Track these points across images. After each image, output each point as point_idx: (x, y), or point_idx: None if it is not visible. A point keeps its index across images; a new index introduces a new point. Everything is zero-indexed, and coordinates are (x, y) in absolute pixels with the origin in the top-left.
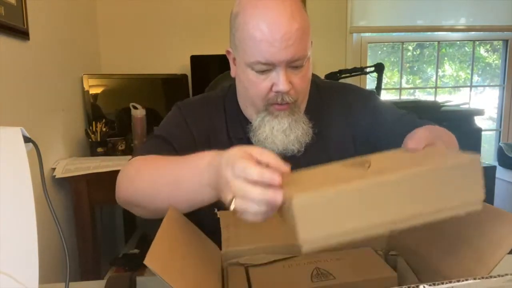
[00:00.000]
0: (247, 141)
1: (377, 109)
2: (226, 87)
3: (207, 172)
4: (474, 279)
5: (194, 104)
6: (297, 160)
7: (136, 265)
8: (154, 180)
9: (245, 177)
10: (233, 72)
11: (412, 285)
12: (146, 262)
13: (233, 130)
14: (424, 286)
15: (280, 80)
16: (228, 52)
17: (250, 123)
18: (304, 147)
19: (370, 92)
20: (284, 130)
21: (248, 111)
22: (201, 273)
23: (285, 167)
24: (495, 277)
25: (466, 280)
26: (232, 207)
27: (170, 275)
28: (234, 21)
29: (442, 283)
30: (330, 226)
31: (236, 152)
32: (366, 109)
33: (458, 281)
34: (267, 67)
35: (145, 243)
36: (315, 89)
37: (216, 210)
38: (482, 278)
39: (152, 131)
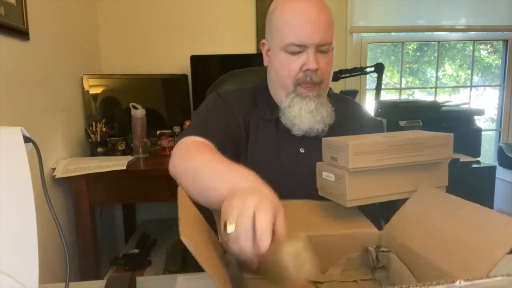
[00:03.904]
0: (275, 122)
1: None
2: (257, 86)
3: (235, 177)
4: (466, 280)
5: (233, 94)
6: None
7: (136, 265)
8: (192, 166)
9: (260, 216)
10: (266, 62)
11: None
12: (182, 238)
13: (263, 113)
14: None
15: (310, 59)
16: (263, 44)
17: (278, 107)
18: (327, 128)
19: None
20: (311, 111)
21: (278, 94)
22: (216, 255)
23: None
24: (492, 277)
25: (467, 280)
26: (229, 230)
27: (202, 255)
28: (271, 15)
29: (438, 283)
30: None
31: (272, 196)
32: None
33: (453, 282)
34: (299, 49)
35: (145, 243)
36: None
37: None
38: (481, 278)
39: (152, 130)
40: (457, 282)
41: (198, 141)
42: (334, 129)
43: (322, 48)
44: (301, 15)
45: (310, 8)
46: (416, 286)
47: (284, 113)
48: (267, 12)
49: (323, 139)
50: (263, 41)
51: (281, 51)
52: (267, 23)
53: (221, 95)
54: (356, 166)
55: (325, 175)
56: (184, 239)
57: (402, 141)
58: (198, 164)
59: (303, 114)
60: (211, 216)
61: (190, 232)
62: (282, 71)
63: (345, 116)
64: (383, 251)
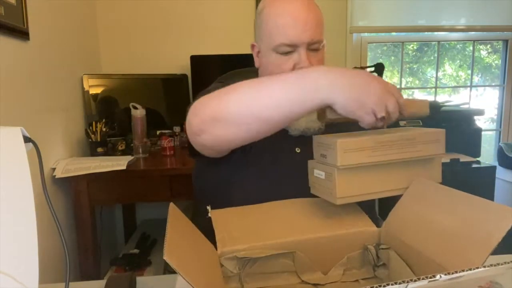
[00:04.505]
0: None
1: None
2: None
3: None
4: (463, 270)
5: (236, 74)
6: None
7: (136, 265)
8: (256, 87)
9: (399, 99)
10: (257, 63)
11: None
12: (166, 258)
13: None
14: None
15: (301, 59)
16: (252, 46)
17: None
18: (324, 126)
19: None
20: None
21: None
22: (208, 269)
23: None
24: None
25: (457, 272)
26: (382, 114)
27: (188, 271)
28: (260, 15)
29: (434, 276)
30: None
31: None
32: None
33: (449, 273)
34: (290, 49)
35: (145, 243)
36: None
37: (209, 209)
38: (476, 268)
39: (152, 130)
40: (438, 276)
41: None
42: (334, 127)
43: (313, 46)
44: (290, 14)
45: (298, 7)
46: (396, 283)
47: None
48: (256, 14)
49: (314, 136)
50: (253, 43)
51: (272, 53)
52: (256, 25)
53: (221, 81)
54: (345, 163)
55: (316, 173)
56: (167, 258)
57: (392, 137)
58: (248, 85)
59: None
60: (208, 227)
61: (176, 251)
62: (274, 72)
63: None
64: (382, 248)
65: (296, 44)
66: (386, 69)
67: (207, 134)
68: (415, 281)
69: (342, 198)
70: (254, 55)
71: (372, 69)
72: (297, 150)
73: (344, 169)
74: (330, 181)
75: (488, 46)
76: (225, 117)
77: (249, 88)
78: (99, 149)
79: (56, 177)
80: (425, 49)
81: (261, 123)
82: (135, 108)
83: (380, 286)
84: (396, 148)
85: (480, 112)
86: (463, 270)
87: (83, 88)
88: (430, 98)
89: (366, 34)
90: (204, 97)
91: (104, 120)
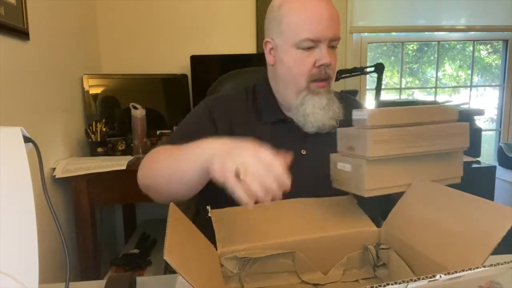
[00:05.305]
0: (275, 124)
1: None
2: (249, 87)
3: (208, 150)
4: (463, 270)
5: (221, 99)
6: (332, 137)
7: (136, 265)
8: (161, 165)
9: (268, 165)
10: (271, 60)
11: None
12: (166, 257)
13: (262, 115)
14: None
15: (323, 54)
16: (266, 43)
17: (281, 110)
18: (338, 124)
19: None
20: (324, 107)
21: (288, 93)
22: (208, 269)
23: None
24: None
25: (456, 272)
26: (242, 175)
27: (188, 271)
28: (278, 11)
29: (434, 276)
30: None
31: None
32: None
33: (449, 273)
34: (313, 44)
35: (145, 243)
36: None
37: (209, 208)
38: (475, 268)
39: (152, 130)
40: (438, 276)
41: (167, 147)
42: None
43: (333, 43)
44: (315, 10)
45: (320, 3)
46: (396, 283)
47: (298, 111)
48: (269, 10)
49: (338, 129)
50: (267, 39)
51: (292, 48)
52: (272, 21)
53: (208, 105)
54: (375, 155)
55: (340, 166)
56: (167, 258)
57: (420, 129)
58: (163, 157)
59: (316, 111)
60: (208, 226)
61: (176, 251)
62: (295, 68)
63: (349, 114)
64: (382, 248)
65: (320, 39)
66: (386, 69)
67: (150, 195)
68: (415, 281)
69: (370, 190)
70: (266, 52)
71: (372, 69)
72: (303, 152)
73: (373, 160)
74: (358, 173)
75: (488, 46)
76: (153, 187)
77: (165, 159)
78: (99, 149)
79: (56, 177)
80: (425, 49)
81: (182, 186)
82: (135, 108)
83: (380, 286)
84: (424, 141)
85: (480, 112)
86: (463, 270)
87: (83, 88)
88: (430, 98)
89: (366, 34)
90: (145, 159)
91: (104, 120)
